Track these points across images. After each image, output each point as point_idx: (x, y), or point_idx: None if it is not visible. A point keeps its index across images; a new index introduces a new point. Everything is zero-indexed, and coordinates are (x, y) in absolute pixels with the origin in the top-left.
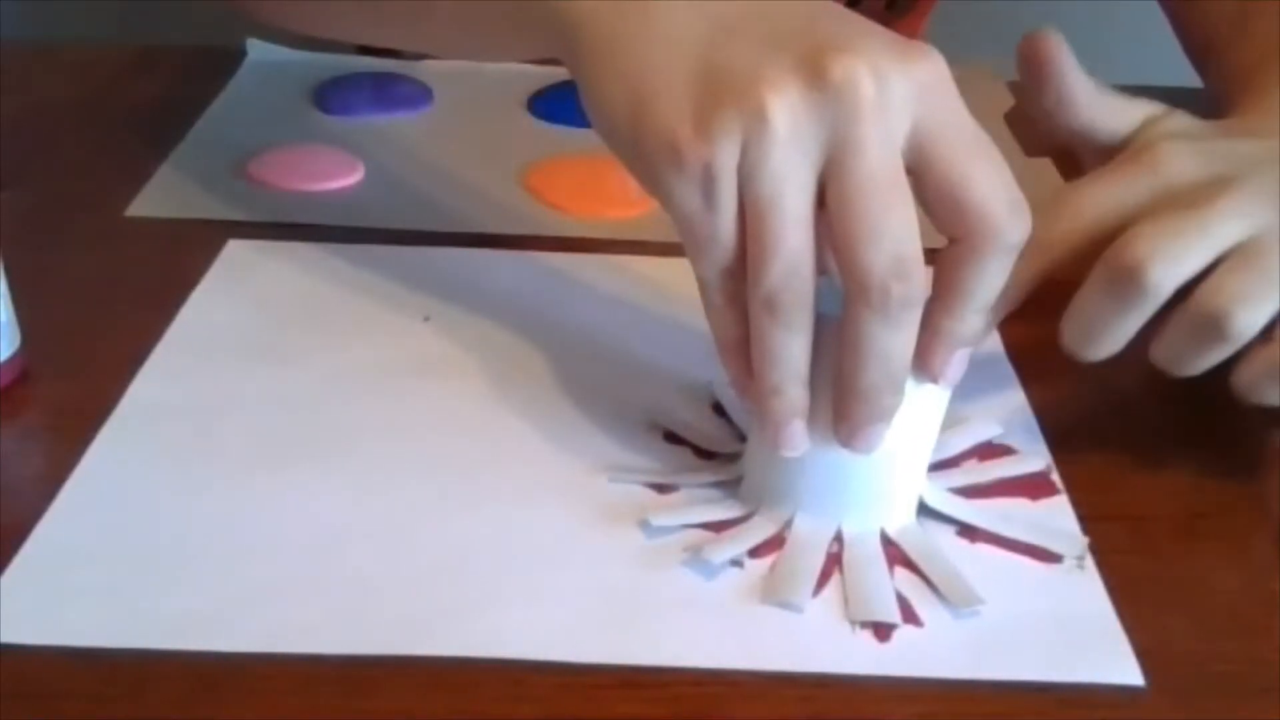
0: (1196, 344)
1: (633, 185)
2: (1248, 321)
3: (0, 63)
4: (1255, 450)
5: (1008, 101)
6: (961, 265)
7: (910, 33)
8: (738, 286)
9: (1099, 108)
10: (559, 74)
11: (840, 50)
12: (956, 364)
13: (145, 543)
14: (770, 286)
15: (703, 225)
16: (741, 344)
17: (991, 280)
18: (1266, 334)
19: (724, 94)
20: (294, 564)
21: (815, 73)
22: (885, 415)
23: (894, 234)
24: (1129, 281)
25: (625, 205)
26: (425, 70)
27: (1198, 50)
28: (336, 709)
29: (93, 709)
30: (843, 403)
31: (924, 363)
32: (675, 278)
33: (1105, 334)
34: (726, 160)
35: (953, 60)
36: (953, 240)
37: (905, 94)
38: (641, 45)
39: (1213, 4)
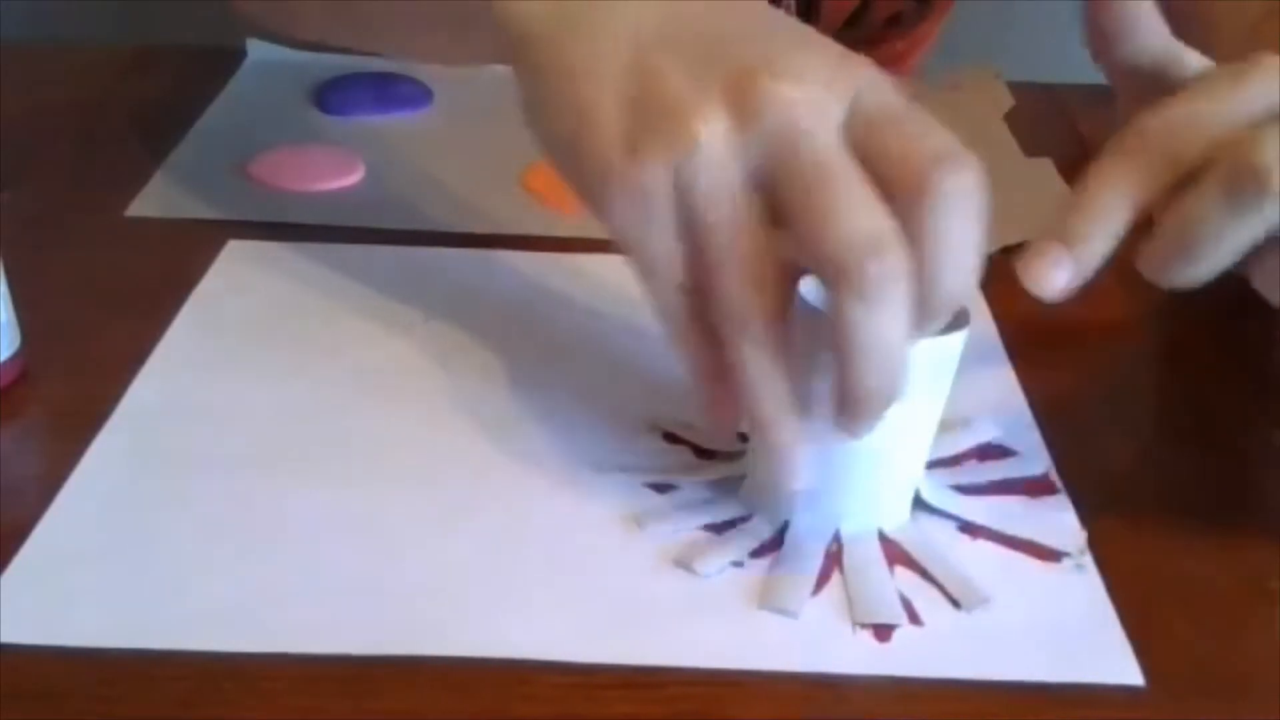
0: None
1: None
2: None
3: (0, 63)
4: (1255, 450)
5: (1008, 102)
6: (914, 225)
7: (920, 41)
8: (695, 307)
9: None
10: None
11: (770, 74)
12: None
13: (145, 543)
14: (730, 298)
15: (645, 245)
16: (712, 371)
17: (945, 234)
18: None
19: (655, 121)
20: (295, 564)
21: (744, 101)
22: (891, 403)
23: (853, 212)
24: (1252, 185)
25: None
26: (425, 70)
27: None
28: (338, 709)
29: (93, 709)
30: (848, 401)
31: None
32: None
33: (1209, 247)
34: (661, 180)
35: (955, 61)
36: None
37: (836, 104)
38: (579, 71)
39: (1210, 30)
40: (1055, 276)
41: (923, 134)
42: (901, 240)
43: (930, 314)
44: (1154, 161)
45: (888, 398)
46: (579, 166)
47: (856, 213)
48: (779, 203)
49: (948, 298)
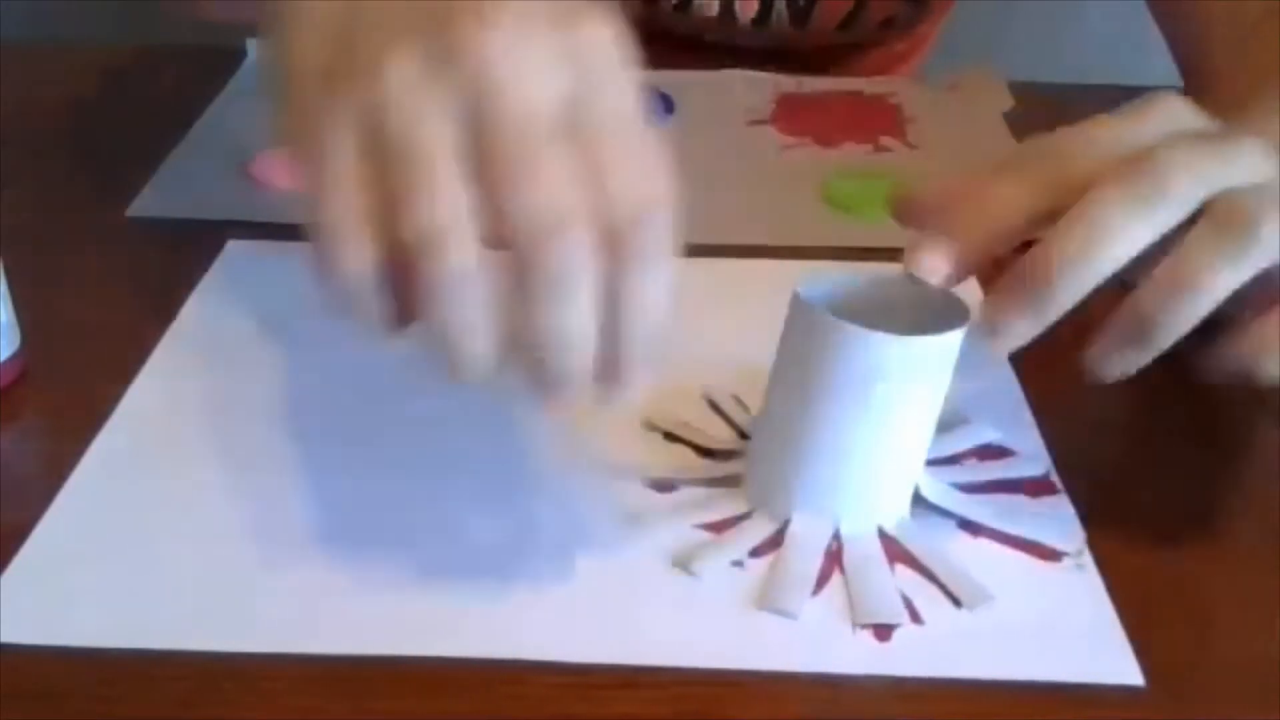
0: (1221, 249)
1: None
2: (1273, 230)
3: (0, 63)
4: (1255, 450)
5: (1008, 102)
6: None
7: (920, 42)
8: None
9: None
10: None
11: (476, 19)
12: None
13: (145, 543)
14: (423, 221)
15: (328, 164)
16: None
17: (633, 293)
18: (1245, 306)
19: (351, 71)
20: (294, 564)
21: (443, 53)
22: (574, 381)
23: (546, 189)
24: (1150, 183)
25: None
26: None
27: (1191, 73)
28: (338, 709)
29: (93, 709)
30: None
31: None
32: (675, 279)
33: (1108, 245)
34: (347, 112)
35: (955, 61)
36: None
37: (548, 60)
38: (293, 26)
39: (1209, 29)
40: (937, 266)
41: (626, 158)
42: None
43: (619, 371)
44: (1046, 172)
45: (572, 375)
46: (282, 102)
47: (549, 185)
48: (478, 159)
49: (633, 353)
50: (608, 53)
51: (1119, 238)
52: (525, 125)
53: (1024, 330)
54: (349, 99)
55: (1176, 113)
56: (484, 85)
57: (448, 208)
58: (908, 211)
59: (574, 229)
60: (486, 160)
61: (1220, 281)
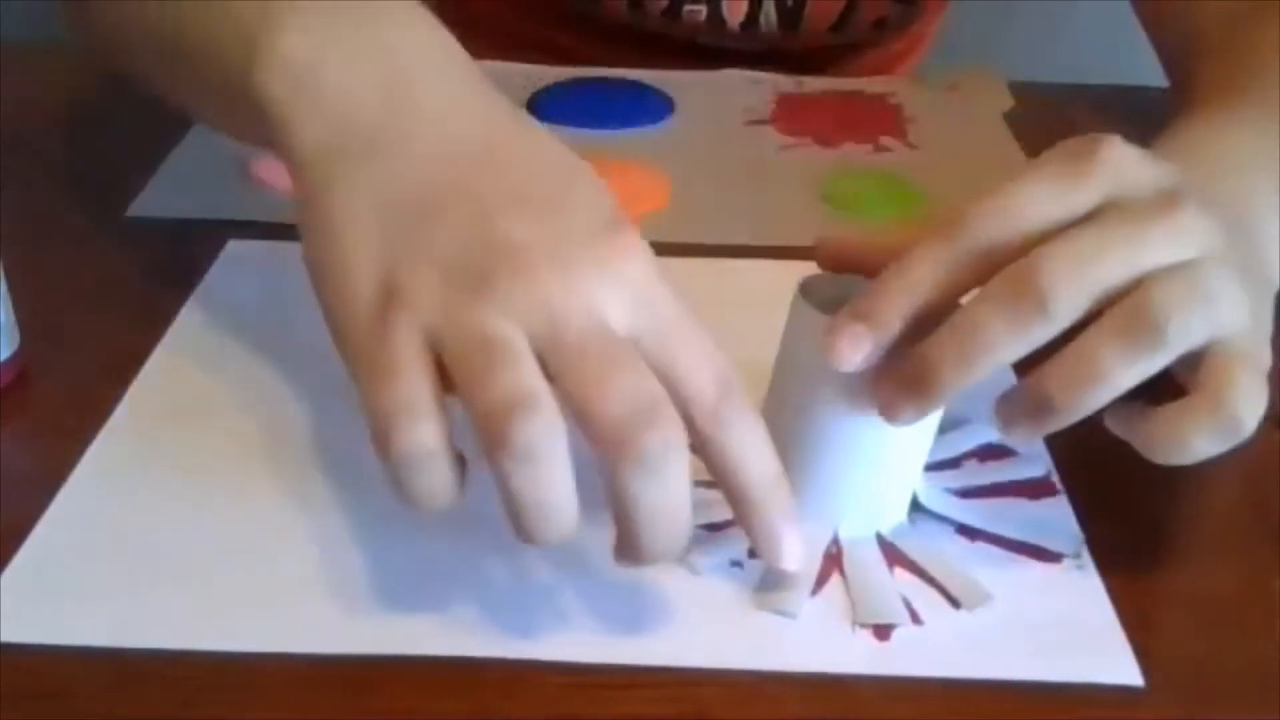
0: (1126, 349)
1: (633, 186)
2: (1181, 329)
3: (0, 63)
4: (1255, 450)
5: (1008, 102)
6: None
7: (917, 41)
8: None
9: None
10: (559, 74)
11: (520, 270)
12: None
13: (145, 542)
14: (509, 385)
15: (393, 357)
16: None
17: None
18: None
19: (401, 315)
20: (294, 564)
21: (488, 311)
22: (675, 557)
23: (626, 384)
24: (1031, 304)
25: (625, 205)
26: None
27: (1176, 78)
28: (336, 709)
29: (93, 709)
30: (626, 553)
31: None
32: (675, 279)
33: (988, 357)
34: (410, 341)
35: (955, 61)
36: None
37: (598, 290)
38: (338, 224)
39: (1195, 37)
40: (852, 355)
41: (689, 355)
42: (670, 407)
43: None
44: (968, 250)
45: (674, 553)
46: (334, 310)
47: (628, 385)
48: (551, 373)
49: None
50: (648, 270)
51: (997, 352)
52: (592, 342)
53: (910, 416)
54: (409, 328)
55: (1119, 169)
56: (548, 318)
57: (533, 376)
58: (831, 257)
59: (661, 416)
60: (566, 379)
61: (1122, 379)
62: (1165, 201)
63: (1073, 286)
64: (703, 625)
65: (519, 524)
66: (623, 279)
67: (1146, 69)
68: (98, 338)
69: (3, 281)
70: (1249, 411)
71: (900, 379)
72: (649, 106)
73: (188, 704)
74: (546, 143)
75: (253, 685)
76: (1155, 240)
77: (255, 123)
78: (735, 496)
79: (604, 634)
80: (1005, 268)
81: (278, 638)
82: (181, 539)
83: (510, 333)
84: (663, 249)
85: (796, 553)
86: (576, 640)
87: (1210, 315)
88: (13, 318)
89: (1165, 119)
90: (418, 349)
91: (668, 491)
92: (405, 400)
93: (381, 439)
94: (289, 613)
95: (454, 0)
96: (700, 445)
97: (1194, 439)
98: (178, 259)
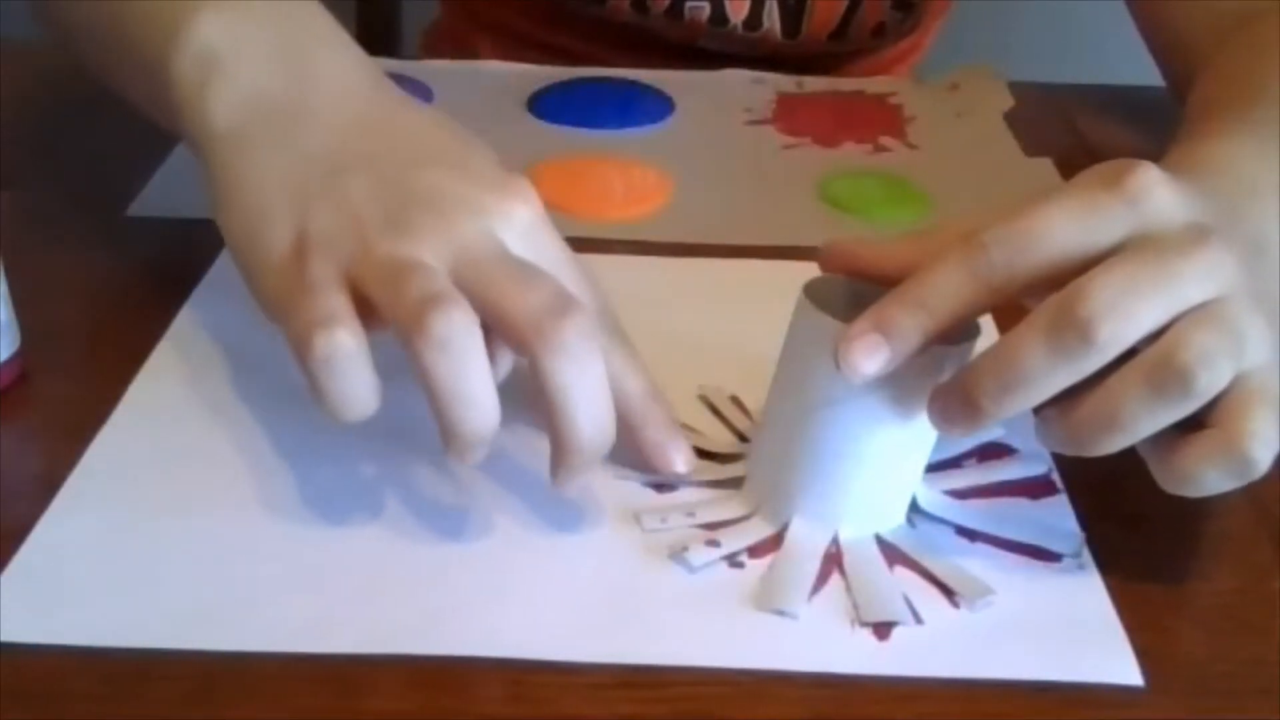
0: (1153, 400)
1: (633, 185)
2: (1210, 381)
3: (0, 63)
4: None
5: (1008, 101)
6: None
7: (917, 43)
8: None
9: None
10: (559, 74)
11: (427, 219)
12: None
13: (145, 542)
14: (422, 288)
15: (311, 284)
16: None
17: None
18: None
19: (318, 253)
20: (293, 564)
21: (404, 244)
22: (601, 455)
23: (539, 281)
24: (1075, 335)
25: (626, 205)
26: (425, 70)
27: (1173, 81)
28: (336, 709)
29: (93, 709)
30: (562, 454)
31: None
32: (676, 279)
33: (1030, 388)
34: (329, 273)
35: (955, 61)
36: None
37: (498, 225)
38: (258, 180)
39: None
40: (867, 364)
41: (532, 283)
42: (581, 302)
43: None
44: (990, 273)
45: (604, 443)
46: (251, 265)
47: (540, 282)
48: (472, 297)
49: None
50: (539, 212)
51: (1039, 383)
52: (501, 258)
53: (961, 434)
54: (327, 256)
55: (1148, 200)
56: (460, 247)
57: (448, 284)
58: (838, 264)
59: (573, 307)
60: (478, 294)
61: (1145, 426)
62: (1195, 238)
63: (1118, 318)
64: (703, 625)
65: (444, 421)
66: (518, 218)
67: (1146, 69)
68: (98, 338)
69: (3, 281)
70: (1265, 452)
71: (945, 405)
72: (649, 106)
73: (187, 704)
74: (440, 116)
75: (252, 686)
76: (1190, 277)
77: (171, 108)
78: (620, 410)
79: (603, 634)
80: (1047, 298)
81: (277, 638)
82: (181, 539)
83: (424, 257)
84: (663, 249)
85: (687, 456)
86: (576, 640)
87: (1237, 357)
88: (13, 318)
89: (1168, 124)
90: (334, 277)
91: (590, 374)
92: (324, 312)
93: (302, 346)
94: (288, 612)
95: (457, 1)
96: None
97: (1207, 475)
98: (178, 259)
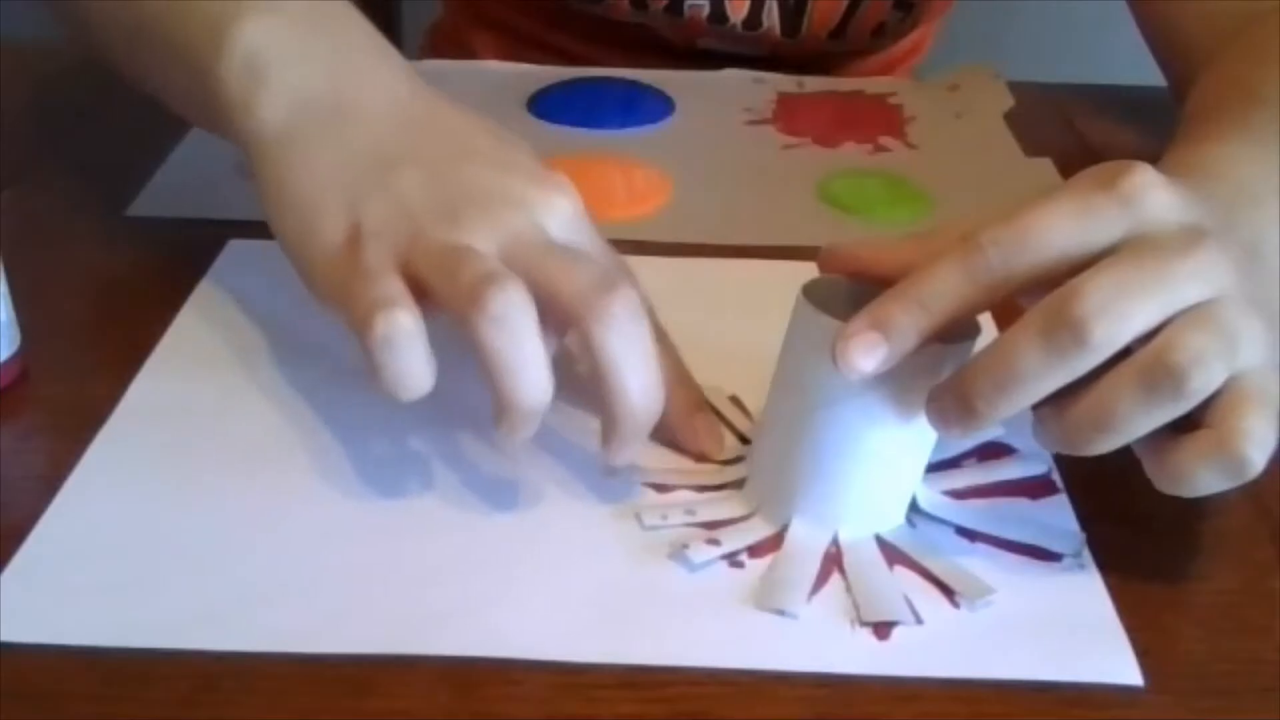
0: (1146, 400)
1: (633, 185)
2: (1203, 382)
3: (0, 63)
4: None
5: (1007, 102)
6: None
7: (917, 43)
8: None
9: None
10: (559, 74)
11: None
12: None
13: (145, 543)
14: (477, 269)
15: (370, 272)
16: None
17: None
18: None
19: (372, 242)
20: (294, 564)
21: (455, 232)
22: (651, 424)
23: (585, 261)
24: (1069, 335)
25: (626, 205)
26: (425, 70)
27: (1174, 82)
28: (336, 709)
29: (93, 709)
30: (614, 423)
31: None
32: (676, 279)
33: (1025, 388)
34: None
35: (955, 61)
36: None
37: (543, 218)
38: (304, 183)
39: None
40: (865, 362)
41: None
42: (630, 280)
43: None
44: (987, 273)
45: (653, 412)
46: (307, 262)
47: (589, 263)
48: (522, 278)
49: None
50: (578, 205)
51: (1034, 383)
52: (547, 244)
53: (959, 436)
54: (381, 246)
55: (1145, 201)
56: (509, 238)
57: (502, 266)
58: (838, 266)
59: (622, 283)
60: (529, 274)
61: (1137, 426)
62: (1190, 239)
63: (1111, 319)
64: (703, 625)
65: (499, 394)
66: (560, 210)
67: (1146, 69)
68: (98, 337)
69: (3, 281)
70: (1258, 452)
71: (941, 407)
72: (649, 106)
73: (186, 704)
74: (477, 115)
75: (253, 686)
76: (1184, 278)
77: (217, 110)
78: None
79: (603, 634)
80: (1042, 299)
81: (277, 638)
82: (181, 539)
83: (476, 244)
84: (663, 249)
85: (718, 436)
86: (576, 640)
87: (1231, 359)
88: (13, 317)
89: (1168, 124)
90: (389, 264)
91: (639, 345)
92: (383, 294)
93: (363, 327)
94: (288, 612)
95: (459, 1)
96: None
97: (1201, 475)
98: (178, 259)
